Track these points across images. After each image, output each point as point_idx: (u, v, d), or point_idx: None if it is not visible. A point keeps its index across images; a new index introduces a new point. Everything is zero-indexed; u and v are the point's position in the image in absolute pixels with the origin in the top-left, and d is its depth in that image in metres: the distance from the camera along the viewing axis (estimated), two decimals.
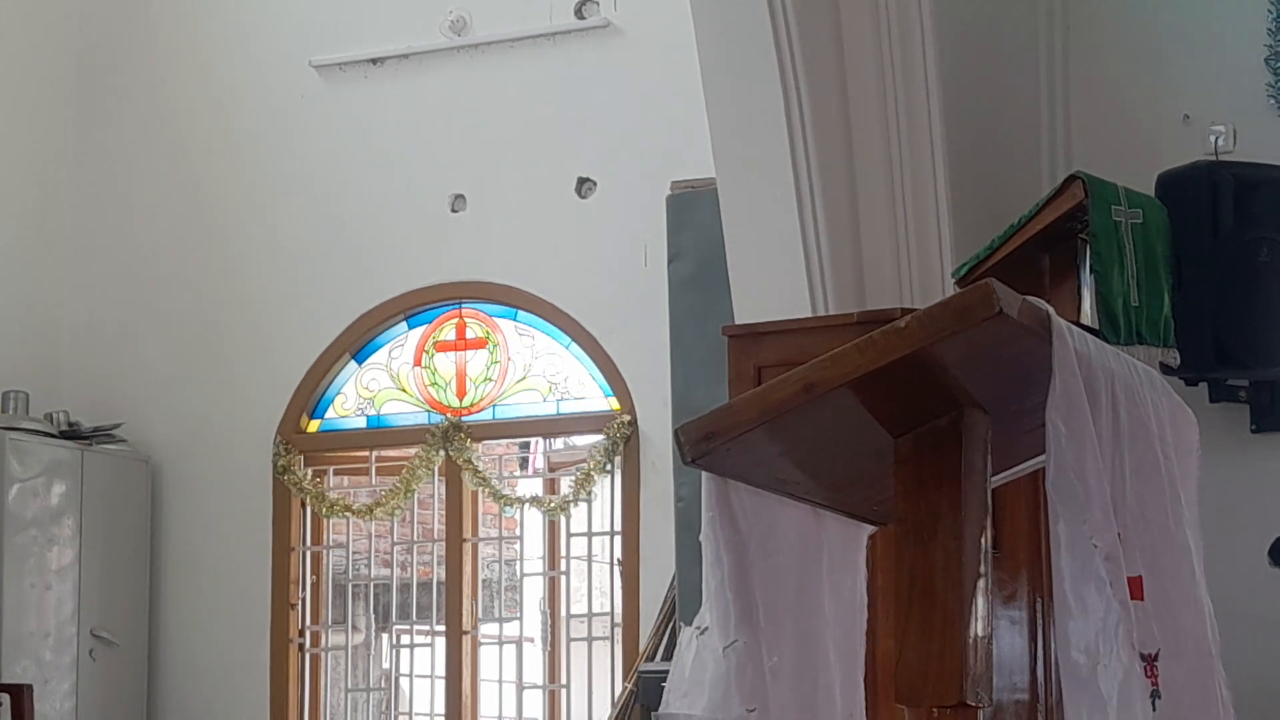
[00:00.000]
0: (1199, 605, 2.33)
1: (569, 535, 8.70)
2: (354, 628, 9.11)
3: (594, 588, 9.41)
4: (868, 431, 2.08)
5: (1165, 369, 4.79)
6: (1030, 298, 2.03)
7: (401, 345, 9.08)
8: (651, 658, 7.26)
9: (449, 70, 8.97)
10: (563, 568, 8.73)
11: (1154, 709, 2.14)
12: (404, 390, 9.04)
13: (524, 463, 9.73)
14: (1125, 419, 2.19)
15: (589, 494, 8.55)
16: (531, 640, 8.87)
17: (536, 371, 8.80)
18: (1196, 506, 2.38)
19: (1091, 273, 4.69)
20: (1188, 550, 2.33)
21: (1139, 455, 2.23)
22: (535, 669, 8.79)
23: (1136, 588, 2.17)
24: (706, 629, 2.23)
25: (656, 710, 2.36)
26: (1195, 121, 5.74)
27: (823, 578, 2.33)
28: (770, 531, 2.26)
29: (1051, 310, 2.07)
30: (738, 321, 5.08)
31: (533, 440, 9.08)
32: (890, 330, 1.96)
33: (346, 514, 8.96)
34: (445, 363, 8.98)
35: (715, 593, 2.22)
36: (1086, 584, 2.06)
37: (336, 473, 9.15)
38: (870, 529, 2.41)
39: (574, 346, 8.66)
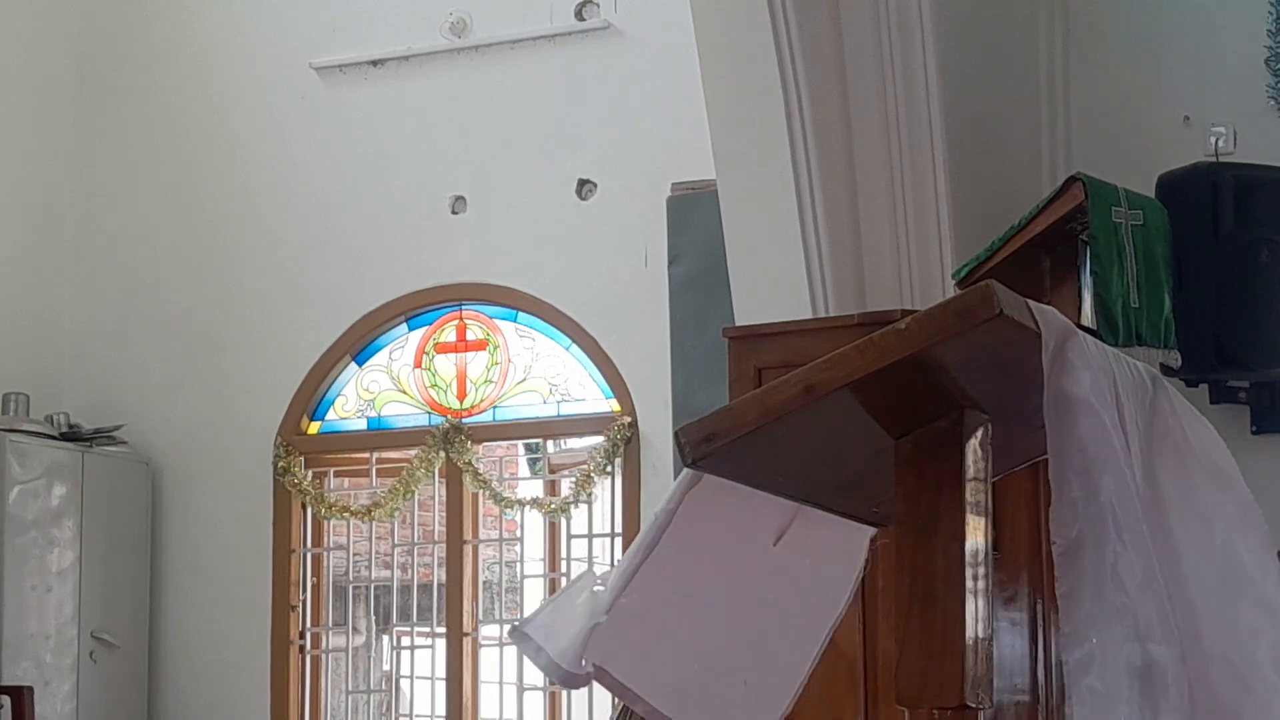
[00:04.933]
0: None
1: (569, 537, 8.70)
2: (354, 629, 9.11)
3: None
4: (868, 433, 2.08)
5: (1166, 370, 4.79)
6: (1031, 301, 2.03)
7: (402, 347, 9.07)
8: None
9: (449, 72, 8.97)
10: (563, 569, 8.72)
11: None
12: (404, 392, 9.04)
13: (533, 464, 9.71)
14: (1131, 421, 2.19)
15: (589, 496, 8.55)
16: None
17: (537, 373, 8.80)
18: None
19: (1091, 274, 4.69)
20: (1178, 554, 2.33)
21: (1147, 456, 2.23)
22: (536, 671, 8.76)
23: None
24: (600, 589, 2.30)
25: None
26: (1195, 123, 5.75)
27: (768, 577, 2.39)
28: (716, 534, 2.32)
29: (1054, 311, 2.07)
30: (738, 323, 5.08)
31: (541, 441, 9.07)
32: (890, 332, 1.96)
33: (346, 515, 8.95)
34: (446, 364, 8.98)
35: (625, 568, 2.28)
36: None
37: (337, 474, 9.14)
38: (871, 531, 2.42)
39: (574, 348, 8.65)
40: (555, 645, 2.33)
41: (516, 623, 2.42)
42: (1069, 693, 2.01)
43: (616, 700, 7.30)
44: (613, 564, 8.51)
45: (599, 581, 2.35)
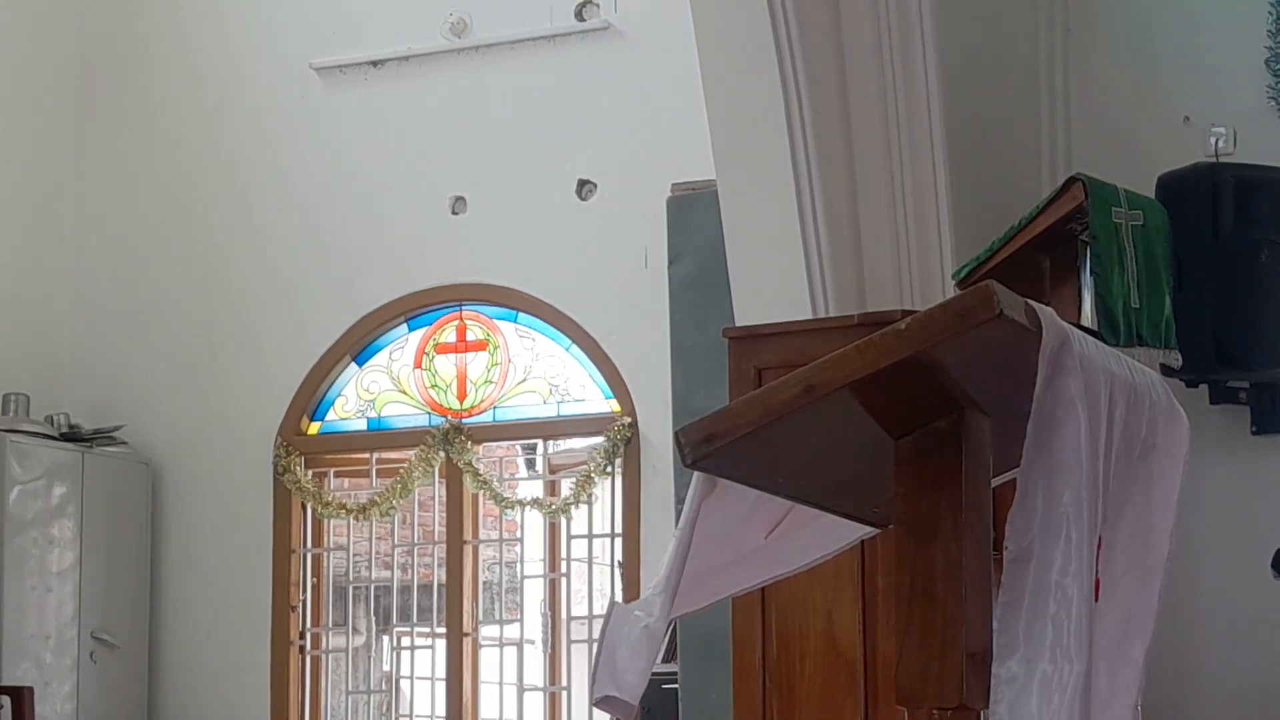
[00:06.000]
0: (1150, 616, 2.33)
1: (569, 537, 8.70)
2: (354, 630, 9.11)
3: (595, 590, 9.41)
4: (868, 433, 2.08)
5: (1167, 370, 4.80)
6: (1031, 301, 2.03)
7: (402, 347, 9.07)
8: None
9: (449, 72, 8.97)
10: (563, 570, 8.72)
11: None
12: (404, 392, 9.03)
13: (530, 463, 9.72)
14: (1120, 424, 2.19)
15: (589, 496, 8.55)
16: (532, 642, 8.87)
17: (537, 373, 8.80)
18: (1174, 512, 2.37)
19: (1092, 274, 4.69)
20: (1162, 560, 2.33)
21: (1128, 461, 2.23)
22: (536, 671, 8.79)
23: (1094, 589, 2.16)
24: (649, 626, 2.29)
25: (651, 709, 2.41)
26: (1195, 123, 5.75)
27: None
28: (732, 536, 2.31)
29: (1052, 312, 2.07)
30: (738, 323, 5.08)
31: (537, 441, 9.07)
32: (890, 332, 1.96)
33: (343, 512, 8.94)
34: (446, 365, 8.97)
35: (664, 591, 2.28)
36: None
37: (337, 475, 9.14)
38: (867, 530, 2.42)
39: (574, 348, 8.65)
40: (632, 691, 2.32)
41: (599, 699, 2.36)
42: (993, 697, 2.01)
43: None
44: (613, 564, 8.55)
45: (640, 612, 2.34)
